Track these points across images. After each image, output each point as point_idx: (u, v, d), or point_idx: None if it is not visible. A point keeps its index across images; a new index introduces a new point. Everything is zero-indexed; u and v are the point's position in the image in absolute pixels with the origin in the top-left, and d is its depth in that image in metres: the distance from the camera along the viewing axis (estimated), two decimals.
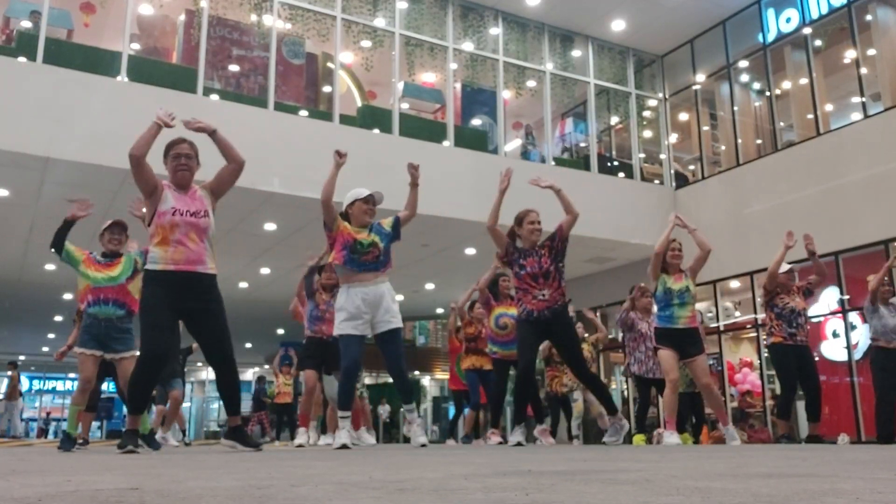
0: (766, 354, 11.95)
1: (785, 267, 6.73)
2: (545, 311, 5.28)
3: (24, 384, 33.49)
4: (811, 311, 7.51)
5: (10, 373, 16.54)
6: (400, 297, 6.92)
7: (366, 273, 4.75)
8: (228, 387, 4.26)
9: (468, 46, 12.05)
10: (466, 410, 9.51)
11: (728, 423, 6.03)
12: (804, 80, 11.56)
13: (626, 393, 13.99)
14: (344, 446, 4.52)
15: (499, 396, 7.40)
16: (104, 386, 8.50)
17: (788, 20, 11.77)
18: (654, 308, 6.45)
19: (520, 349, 5.47)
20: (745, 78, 12.94)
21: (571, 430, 9.48)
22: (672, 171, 13.38)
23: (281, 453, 4.29)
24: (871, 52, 11.09)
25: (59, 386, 34.45)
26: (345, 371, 4.70)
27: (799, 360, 6.44)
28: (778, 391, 12.51)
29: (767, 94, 12.25)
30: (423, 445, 4.87)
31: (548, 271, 5.34)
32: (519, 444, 5.37)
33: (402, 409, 5.15)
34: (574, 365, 5.57)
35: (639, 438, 7.22)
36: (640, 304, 7.40)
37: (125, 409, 6.53)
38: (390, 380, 7.20)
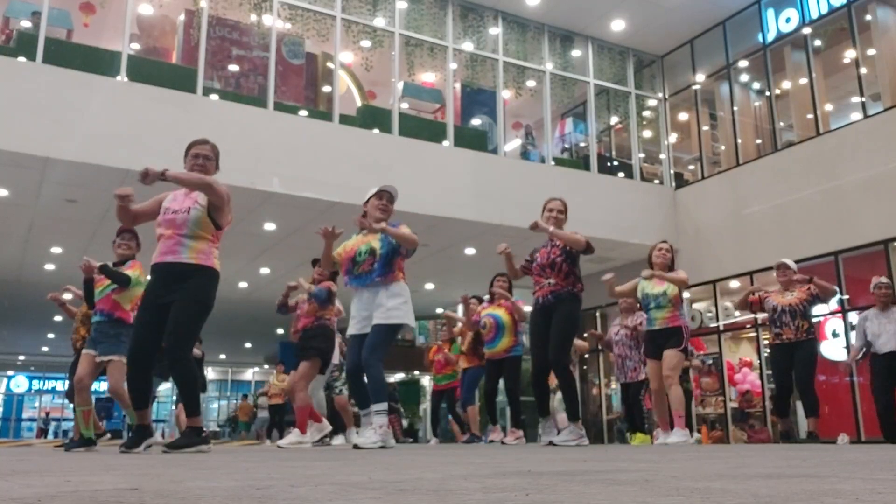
0: (765, 354, 11.98)
1: (779, 261, 6.79)
2: (549, 295, 5.28)
3: (24, 384, 33.51)
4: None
5: None
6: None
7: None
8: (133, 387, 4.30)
9: (468, 46, 12.05)
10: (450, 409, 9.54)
11: (667, 429, 6.03)
12: (804, 80, 11.56)
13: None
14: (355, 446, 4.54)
15: (488, 395, 7.45)
16: (97, 386, 8.58)
17: (788, 20, 11.77)
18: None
19: (532, 344, 5.41)
20: (744, 78, 12.95)
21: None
22: (671, 172, 13.39)
23: (281, 453, 4.29)
24: (871, 52, 11.09)
25: (59, 386, 34.44)
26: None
27: (788, 357, 6.47)
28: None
29: (767, 94, 12.25)
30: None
31: (554, 262, 5.32)
32: (550, 443, 5.27)
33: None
34: (552, 349, 5.24)
35: (640, 437, 7.25)
36: (623, 306, 7.50)
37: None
38: (391, 379, 7.13)
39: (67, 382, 6.57)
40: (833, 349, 10.53)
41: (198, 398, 4.29)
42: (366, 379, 4.64)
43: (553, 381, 6.01)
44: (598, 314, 13.80)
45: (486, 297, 7.76)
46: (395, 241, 4.70)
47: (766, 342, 6.65)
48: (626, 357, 7.36)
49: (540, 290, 5.34)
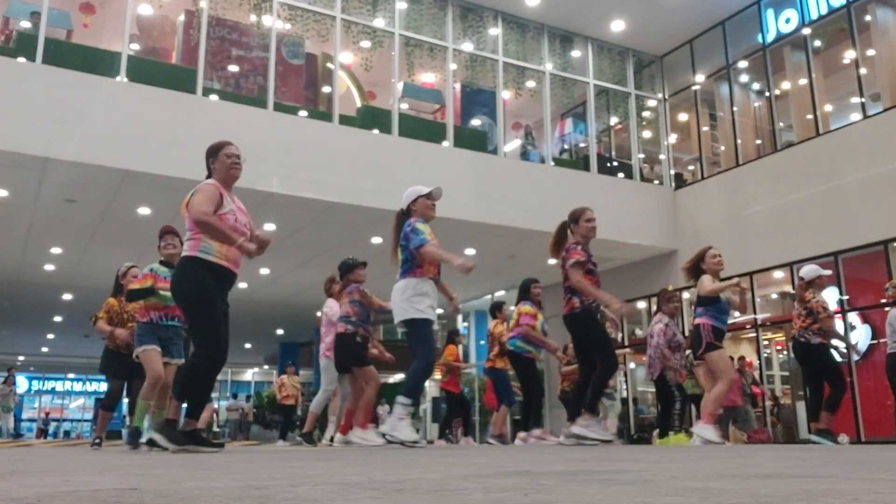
0: (782, 354, 11.98)
1: (826, 272, 6.84)
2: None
3: (24, 384, 33.52)
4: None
5: None
6: None
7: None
8: (208, 388, 4.31)
9: (468, 47, 12.05)
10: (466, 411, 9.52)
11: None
12: (803, 81, 11.57)
13: (626, 393, 14.00)
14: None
15: (538, 395, 7.47)
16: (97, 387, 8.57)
17: (788, 21, 11.77)
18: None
19: (608, 341, 5.57)
20: (744, 78, 12.95)
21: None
22: (671, 172, 13.39)
23: (281, 454, 4.29)
24: (871, 52, 11.10)
25: (59, 386, 34.43)
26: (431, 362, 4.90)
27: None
28: (778, 392, 12.60)
29: (767, 94, 12.26)
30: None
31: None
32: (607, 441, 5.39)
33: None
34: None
35: (681, 438, 7.22)
36: (669, 310, 7.46)
37: (125, 409, 6.61)
38: (391, 380, 7.09)
39: (111, 382, 6.40)
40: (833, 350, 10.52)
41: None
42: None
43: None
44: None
45: (499, 294, 7.81)
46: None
47: (819, 341, 6.63)
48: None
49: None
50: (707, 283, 6.11)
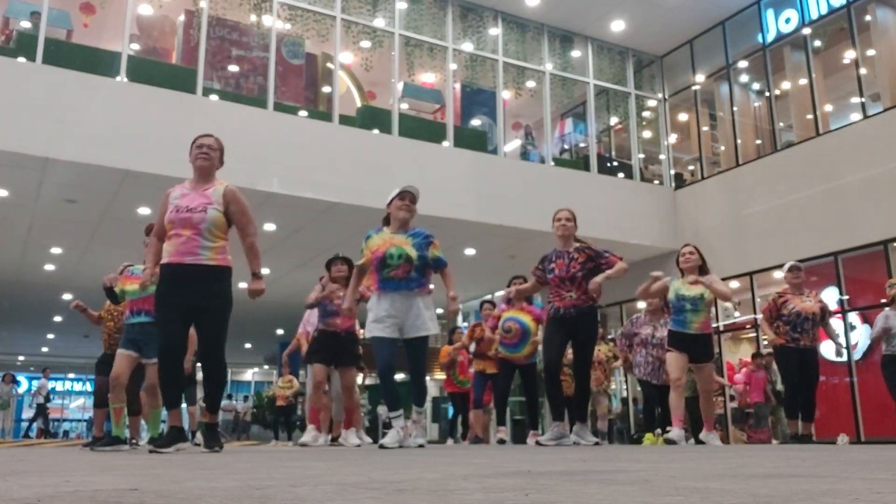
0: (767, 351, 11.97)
1: (786, 266, 6.74)
2: (571, 308, 5.34)
3: (24, 384, 33.49)
4: None
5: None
6: None
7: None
8: (217, 384, 4.34)
9: (468, 47, 12.05)
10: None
11: (711, 430, 6.17)
12: (803, 81, 11.57)
13: (626, 393, 14.00)
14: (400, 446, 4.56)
15: (502, 395, 7.44)
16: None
17: (788, 21, 11.78)
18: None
19: (545, 348, 5.52)
20: (744, 78, 12.95)
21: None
22: (671, 172, 13.39)
23: (281, 454, 4.29)
24: (871, 52, 11.10)
25: (59, 386, 34.40)
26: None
27: (799, 362, 6.51)
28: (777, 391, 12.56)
29: (767, 94, 12.26)
30: (421, 446, 4.85)
31: (574, 277, 5.36)
32: (559, 443, 5.37)
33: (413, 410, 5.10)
34: (580, 367, 5.52)
35: (649, 438, 7.23)
36: (651, 308, 7.45)
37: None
38: None
39: (96, 381, 6.57)
40: (833, 350, 10.51)
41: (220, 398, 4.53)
42: (404, 384, 5.07)
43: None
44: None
45: (497, 295, 7.81)
46: (427, 253, 4.74)
47: (777, 342, 6.59)
48: (664, 360, 7.27)
49: (560, 301, 5.37)
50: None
